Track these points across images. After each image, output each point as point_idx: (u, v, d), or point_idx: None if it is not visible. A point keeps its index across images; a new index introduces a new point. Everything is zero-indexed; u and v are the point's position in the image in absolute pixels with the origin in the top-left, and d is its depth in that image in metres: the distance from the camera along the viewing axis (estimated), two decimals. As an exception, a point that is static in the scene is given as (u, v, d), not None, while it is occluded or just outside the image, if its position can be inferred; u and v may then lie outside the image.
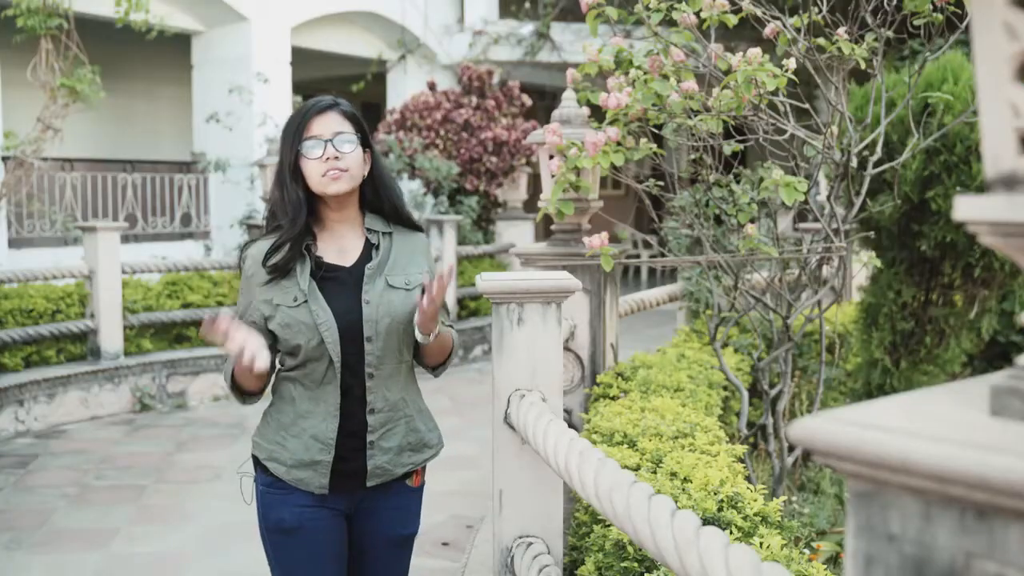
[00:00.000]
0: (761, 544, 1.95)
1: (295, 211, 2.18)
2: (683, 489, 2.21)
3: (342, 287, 2.22)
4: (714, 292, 3.82)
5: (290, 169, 2.19)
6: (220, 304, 8.02)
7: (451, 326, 2.43)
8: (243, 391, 2.27)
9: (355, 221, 2.29)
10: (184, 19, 10.88)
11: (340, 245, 2.27)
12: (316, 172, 2.17)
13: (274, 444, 2.25)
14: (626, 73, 3.34)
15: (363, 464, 2.23)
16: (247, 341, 2.03)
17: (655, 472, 2.42)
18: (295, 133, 2.19)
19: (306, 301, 2.17)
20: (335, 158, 2.16)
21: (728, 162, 3.74)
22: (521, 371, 2.52)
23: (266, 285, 2.19)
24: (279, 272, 2.18)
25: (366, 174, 2.26)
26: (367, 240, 2.29)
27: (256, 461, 2.31)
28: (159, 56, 12.43)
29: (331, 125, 2.19)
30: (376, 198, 2.31)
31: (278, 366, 2.30)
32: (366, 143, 2.26)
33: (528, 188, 11.69)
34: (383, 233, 2.30)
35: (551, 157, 3.57)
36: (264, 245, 2.22)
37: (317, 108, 2.20)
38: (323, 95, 2.27)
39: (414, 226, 2.36)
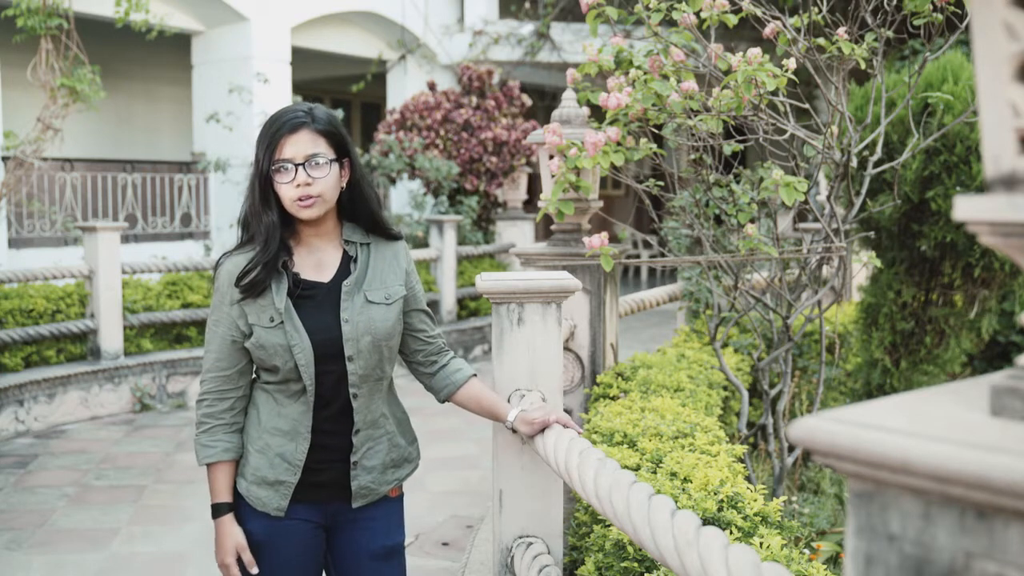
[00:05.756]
0: (761, 544, 1.95)
1: (268, 233, 2.10)
2: (683, 489, 2.21)
3: (320, 306, 2.14)
4: (714, 292, 3.81)
5: (261, 184, 2.10)
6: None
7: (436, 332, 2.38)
8: None
9: (332, 234, 2.21)
10: (184, 19, 10.88)
11: (317, 259, 2.19)
12: (288, 197, 2.08)
13: None
14: (626, 73, 3.34)
15: (337, 476, 2.18)
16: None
17: (655, 472, 2.42)
18: (266, 151, 2.08)
19: (282, 323, 2.09)
20: (306, 184, 2.07)
21: (728, 162, 3.74)
22: (521, 371, 2.52)
23: (240, 303, 2.11)
24: (252, 293, 2.09)
25: (344, 185, 2.17)
26: (345, 252, 2.21)
27: None
28: (159, 56, 12.43)
29: (303, 146, 2.08)
30: (353, 208, 2.22)
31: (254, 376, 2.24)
32: (344, 153, 2.15)
33: (528, 188, 11.69)
34: (361, 244, 2.22)
35: (551, 157, 3.57)
36: (239, 260, 2.13)
37: (289, 127, 2.08)
38: (298, 104, 2.16)
39: (391, 235, 2.26)
